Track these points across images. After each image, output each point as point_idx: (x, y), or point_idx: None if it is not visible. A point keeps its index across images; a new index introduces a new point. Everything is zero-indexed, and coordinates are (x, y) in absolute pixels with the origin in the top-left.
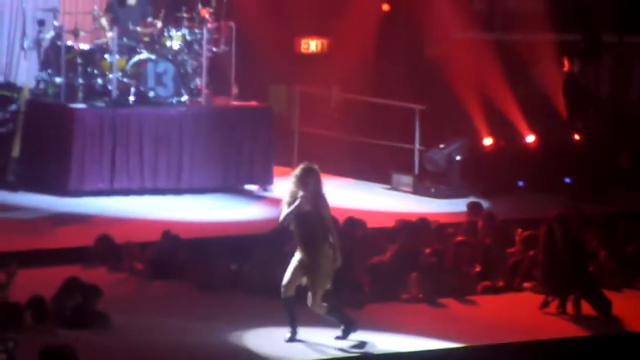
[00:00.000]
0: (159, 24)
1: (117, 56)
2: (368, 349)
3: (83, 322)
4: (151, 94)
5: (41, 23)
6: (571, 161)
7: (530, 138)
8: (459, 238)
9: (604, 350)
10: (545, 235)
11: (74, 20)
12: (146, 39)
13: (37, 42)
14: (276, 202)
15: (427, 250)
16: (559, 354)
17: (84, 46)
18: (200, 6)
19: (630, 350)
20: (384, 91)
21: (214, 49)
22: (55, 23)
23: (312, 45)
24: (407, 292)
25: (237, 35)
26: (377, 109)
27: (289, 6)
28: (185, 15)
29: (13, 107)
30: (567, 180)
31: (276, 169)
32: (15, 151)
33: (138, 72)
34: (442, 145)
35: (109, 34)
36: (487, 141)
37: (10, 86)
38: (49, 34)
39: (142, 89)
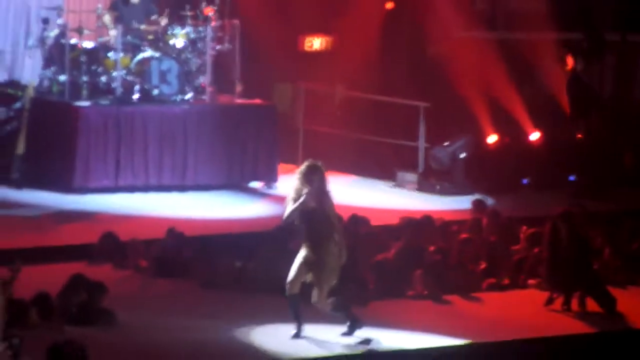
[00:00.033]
0: (163, 22)
1: (121, 54)
2: (373, 345)
3: (88, 319)
4: (155, 91)
5: (45, 21)
6: (575, 159)
7: (534, 136)
8: (464, 235)
9: (609, 347)
10: (550, 232)
11: (78, 18)
12: (150, 37)
13: (42, 40)
14: (280, 199)
15: (432, 248)
16: (564, 351)
17: (88, 44)
18: (204, 4)
19: (636, 347)
20: (388, 89)
21: (218, 47)
22: (59, 21)
23: (316, 43)
24: (412, 289)
25: (241, 33)
26: (381, 107)
27: (293, 4)
28: (189, 13)
29: (18, 105)
30: (572, 178)
31: (280, 166)
32: (20, 149)
33: (142, 70)
34: (446, 143)
35: (113, 32)
36: (492, 139)
37: (14, 84)
38: (53, 32)
39: (146, 86)
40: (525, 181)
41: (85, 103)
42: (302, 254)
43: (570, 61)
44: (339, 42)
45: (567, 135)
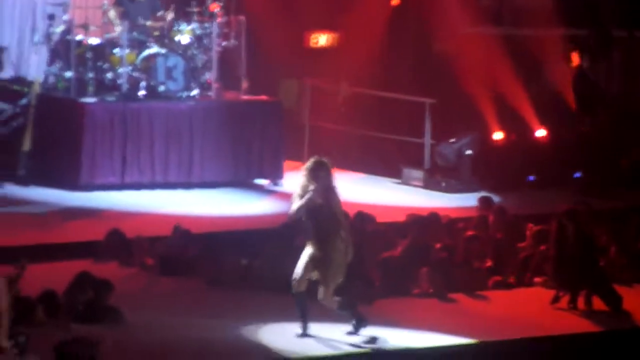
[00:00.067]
0: (169, 18)
1: (127, 50)
2: (379, 344)
3: (95, 316)
4: (161, 88)
5: (51, 17)
6: (581, 156)
7: (540, 133)
8: (470, 233)
9: (616, 346)
10: (556, 230)
11: (84, 14)
12: (156, 33)
13: (47, 37)
14: (286, 196)
15: (438, 245)
16: (570, 349)
17: (94, 40)
18: (210, 0)
19: None
20: (393, 85)
21: (224, 43)
22: (65, 17)
23: (321, 39)
24: (418, 287)
25: (247, 29)
26: (387, 103)
27: (298, 0)
28: (195, 9)
29: (24, 101)
30: (577, 175)
31: (286, 163)
32: (26, 145)
33: (148, 67)
34: (452, 140)
35: (119, 28)
36: (498, 135)
37: (20, 80)
38: (59, 29)
39: (152, 83)
40: (531, 178)
41: (91, 99)
42: (308, 251)
43: (576, 58)
44: (345, 38)
45: (573, 132)
